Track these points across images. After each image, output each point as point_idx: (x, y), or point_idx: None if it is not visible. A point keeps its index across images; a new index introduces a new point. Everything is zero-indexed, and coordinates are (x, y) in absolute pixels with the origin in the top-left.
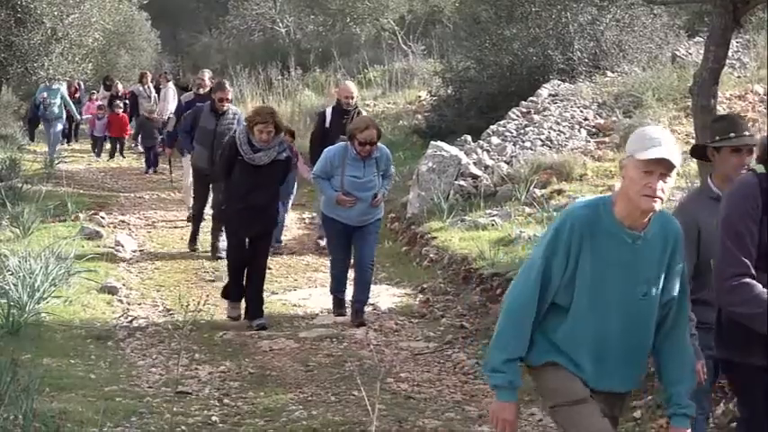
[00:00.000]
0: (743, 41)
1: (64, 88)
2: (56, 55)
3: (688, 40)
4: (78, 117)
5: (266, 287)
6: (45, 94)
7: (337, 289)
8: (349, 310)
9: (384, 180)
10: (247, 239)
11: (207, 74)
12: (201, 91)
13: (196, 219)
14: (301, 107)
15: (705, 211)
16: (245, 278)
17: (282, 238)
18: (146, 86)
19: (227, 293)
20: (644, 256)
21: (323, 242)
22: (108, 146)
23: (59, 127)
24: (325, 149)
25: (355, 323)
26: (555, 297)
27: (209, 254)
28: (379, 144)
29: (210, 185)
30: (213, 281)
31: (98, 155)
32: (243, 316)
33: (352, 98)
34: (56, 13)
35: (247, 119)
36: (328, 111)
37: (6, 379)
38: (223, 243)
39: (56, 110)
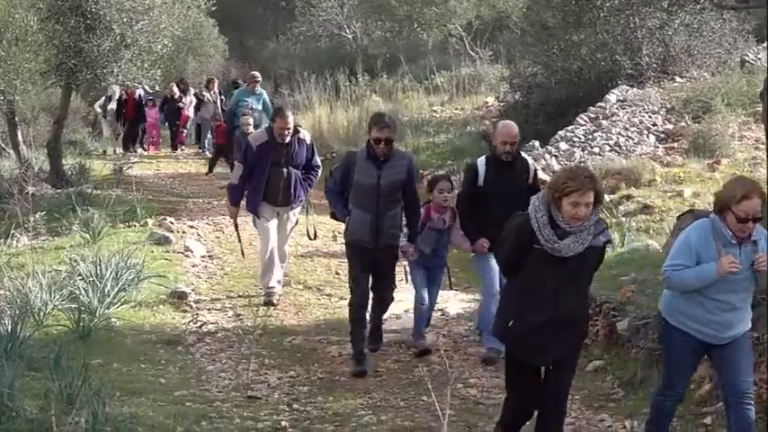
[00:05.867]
0: None
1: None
2: (125, 61)
3: (757, 45)
4: None
5: (333, 292)
6: (249, 101)
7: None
8: None
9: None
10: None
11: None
12: (284, 135)
13: (357, 320)
14: (369, 113)
15: None
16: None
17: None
18: (212, 92)
19: None
20: None
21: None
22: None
23: None
24: (687, 232)
25: None
26: None
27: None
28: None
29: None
30: (283, 285)
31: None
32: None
33: (514, 143)
34: (125, 19)
35: (551, 186)
36: (481, 162)
37: (78, 383)
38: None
39: (258, 117)
